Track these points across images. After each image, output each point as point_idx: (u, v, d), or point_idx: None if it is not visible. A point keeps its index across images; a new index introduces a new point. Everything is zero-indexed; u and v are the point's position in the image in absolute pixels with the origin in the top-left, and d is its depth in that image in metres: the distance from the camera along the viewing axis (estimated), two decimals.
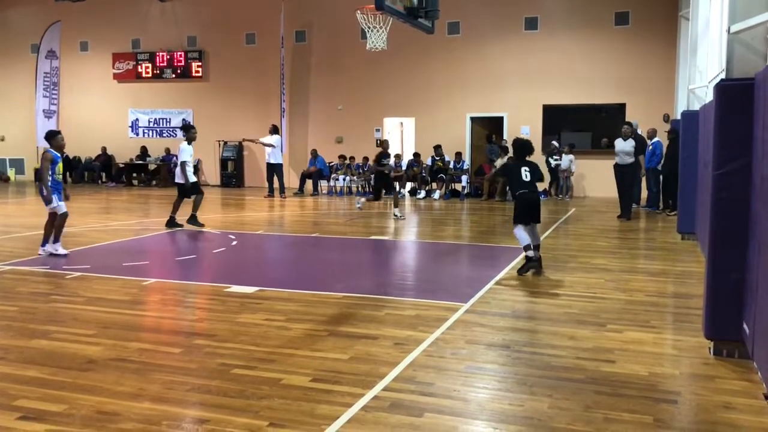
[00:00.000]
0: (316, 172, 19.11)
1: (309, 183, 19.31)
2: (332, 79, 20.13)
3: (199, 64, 21.31)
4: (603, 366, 4.50)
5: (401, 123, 20.69)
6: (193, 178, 11.42)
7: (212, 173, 21.58)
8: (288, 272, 8.38)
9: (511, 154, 16.92)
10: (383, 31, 11.16)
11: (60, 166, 8.75)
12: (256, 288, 6.75)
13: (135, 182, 21.92)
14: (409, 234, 11.66)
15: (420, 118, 19.38)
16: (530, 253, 7.56)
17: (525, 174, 7.75)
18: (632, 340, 5.09)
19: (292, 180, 19.67)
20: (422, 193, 17.92)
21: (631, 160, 12.82)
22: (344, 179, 18.91)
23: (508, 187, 12.15)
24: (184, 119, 21.60)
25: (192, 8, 21.40)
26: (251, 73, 20.86)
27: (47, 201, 8.54)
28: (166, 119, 22.02)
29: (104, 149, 22.23)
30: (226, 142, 20.99)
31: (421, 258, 9.52)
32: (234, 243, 9.86)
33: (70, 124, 22.41)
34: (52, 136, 8.84)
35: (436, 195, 17.71)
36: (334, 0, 19.46)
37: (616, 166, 12.97)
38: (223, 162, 21.07)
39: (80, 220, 12.38)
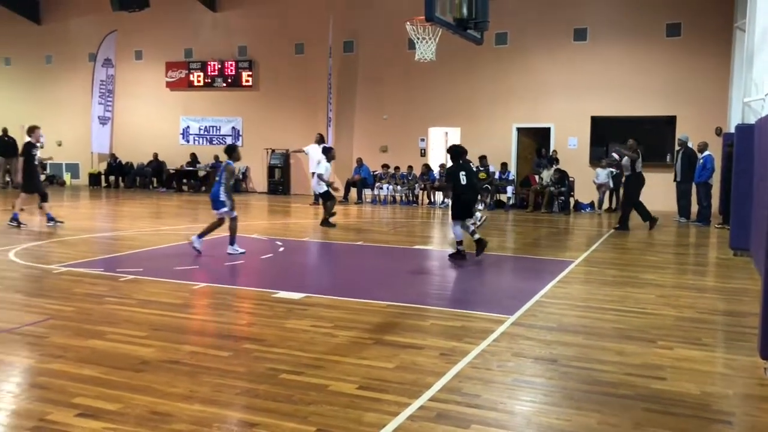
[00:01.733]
0: (361, 181, 19.24)
1: (353, 191, 19.45)
2: (378, 89, 20.28)
3: (249, 73, 21.70)
4: (653, 383, 4.42)
5: (446, 133, 20.69)
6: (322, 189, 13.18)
7: (260, 180, 21.92)
8: (333, 279, 8.46)
9: (557, 165, 16.93)
10: (432, 43, 11.21)
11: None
12: (303, 294, 6.84)
13: (185, 188, 22.40)
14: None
15: (466, 128, 19.35)
16: (462, 248, 8.92)
17: (462, 178, 9.05)
18: (683, 358, 5.00)
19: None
20: None
21: (627, 173, 13.40)
22: (388, 188, 18.99)
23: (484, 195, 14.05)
24: (233, 127, 22.03)
25: (243, 19, 21.83)
26: (299, 83, 21.16)
27: (226, 207, 9.26)
28: (216, 127, 22.46)
29: (156, 155, 22.78)
30: (273, 150, 21.30)
31: (466, 269, 9.48)
32: (281, 249, 9.99)
33: (124, 131, 23.08)
34: (233, 150, 9.47)
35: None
36: (382, 11, 19.62)
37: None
38: (271, 170, 21.38)
39: (132, 224, 12.72)
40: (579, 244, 11.39)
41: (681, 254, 10.82)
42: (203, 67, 22.24)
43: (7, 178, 22.32)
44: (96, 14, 23.05)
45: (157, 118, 23.04)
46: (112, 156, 23.40)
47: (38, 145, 12.90)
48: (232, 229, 9.42)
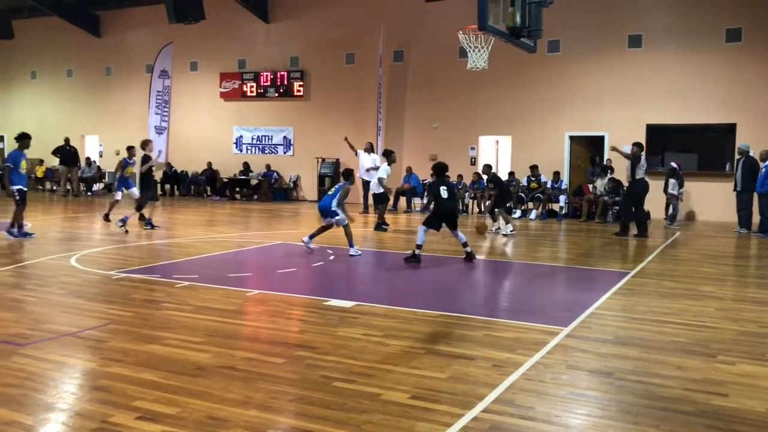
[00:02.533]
0: (411, 190, 19.25)
1: (402, 200, 19.48)
2: (428, 97, 20.29)
3: (301, 83, 21.99)
4: (714, 399, 4.29)
5: (497, 141, 20.56)
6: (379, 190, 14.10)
7: (310, 189, 22.15)
8: (384, 288, 8.48)
9: (612, 174, 16.60)
10: (485, 51, 11.17)
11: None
12: (354, 303, 6.87)
13: (237, 196, 22.81)
14: (504, 254, 11.54)
15: (517, 136, 19.19)
16: (418, 251, 9.64)
17: (443, 191, 9.83)
18: (746, 374, 4.83)
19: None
20: (518, 213, 17.69)
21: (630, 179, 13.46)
22: None
23: (493, 202, 13.92)
24: (285, 137, 22.36)
25: (295, 30, 22.15)
26: (349, 92, 21.34)
27: (339, 215, 10.20)
28: (268, 136, 22.82)
29: (210, 164, 23.27)
30: (324, 159, 21.51)
31: (518, 279, 9.39)
32: (331, 257, 10.07)
33: (179, 140, 23.64)
34: (350, 173, 10.86)
35: (533, 215, 17.44)
36: (433, 20, 19.65)
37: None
38: (321, 178, 21.59)
39: (187, 232, 13.01)
40: (634, 255, 11.15)
41: (741, 266, 10.48)
42: (256, 77, 22.64)
43: (68, 186, 23.13)
44: (153, 27, 23.72)
45: (211, 127, 23.55)
46: (168, 165, 23.99)
47: (151, 155, 13.96)
48: (349, 235, 10.30)
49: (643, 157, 13.29)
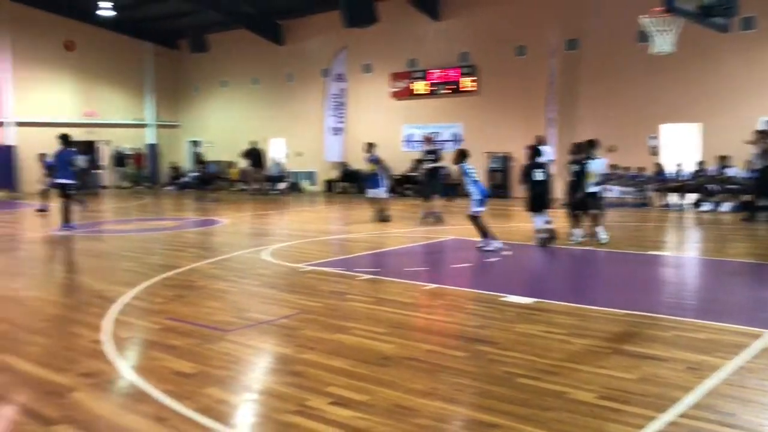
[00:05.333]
0: None
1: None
2: (603, 86, 19.39)
3: (471, 79, 21.97)
4: None
5: (683, 130, 19.16)
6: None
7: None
8: (564, 285, 8.27)
9: None
10: (671, 34, 10.48)
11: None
12: (533, 299, 6.78)
13: (408, 193, 23.30)
14: (691, 249, 10.78)
15: (706, 123, 17.77)
16: (543, 235, 10.21)
17: (535, 174, 10.34)
18: None
19: (558, 190, 19.30)
20: (707, 206, 16.40)
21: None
22: (616, 190, 18.05)
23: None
24: (454, 133, 22.48)
25: (465, 26, 22.18)
26: (519, 85, 20.97)
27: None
28: (437, 133, 23.04)
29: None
30: (493, 154, 21.34)
31: (708, 276, 8.73)
32: (506, 253, 9.99)
33: (353, 140, 24.59)
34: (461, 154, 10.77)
35: (724, 207, 16.09)
36: (608, 5, 18.75)
37: None
38: (491, 173, 21.45)
39: (364, 228, 13.52)
40: None
41: None
42: (426, 75, 22.97)
43: (256, 186, 24.99)
44: (329, 33, 24.87)
45: (382, 127, 24.24)
46: (344, 164, 25.07)
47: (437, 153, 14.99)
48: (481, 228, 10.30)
49: None
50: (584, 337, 5.44)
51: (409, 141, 23.75)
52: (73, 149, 13.85)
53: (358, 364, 4.85)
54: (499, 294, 7.06)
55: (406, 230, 13.04)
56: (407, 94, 23.51)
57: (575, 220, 10.92)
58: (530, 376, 4.50)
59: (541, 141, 17.62)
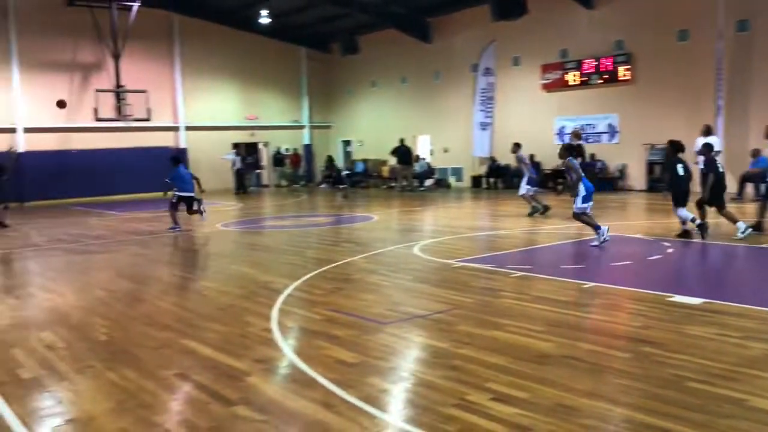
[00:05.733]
0: (759, 174, 17.01)
1: (749, 186, 17.31)
2: None
3: (627, 67, 20.92)
4: None
5: None
6: None
7: (637, 178, 21.01)
8: (738, 285, 7.68)
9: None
10: None
11: None
12: (702, 300, 6.36)
13: (559, 188, 22.63)
14: None
15: None
16: (688, 226, 10.31)
17: (680, 169, 10.33)
18: None
19: (730, 183, 17.89)
20: None
21: None
22: None
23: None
24: (609, 124, 21.56)
25: (620, 12, 21.14)
26: (681, 72, 19.65)
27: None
28: (591, 125, 22.21)
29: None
30: (653, 145, 20.20)
31: None
32: (669, 251, 9.43)
33: (501, 135, 24.31)
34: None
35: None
36: None
37: None
38: (650, 166, 20.32)
39: (515, 224, 13.34)
40: None
41: None
42: (578, 65, 22.18)
43: (404, 182, 25.41)
44: (477, 28, 24.73)
45: (532, 120, 23.73)
46: (492, 159, 24.84)
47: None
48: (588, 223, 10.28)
49: None
50: (763, 341, 5.03)
51: (561, 134, 23.05)
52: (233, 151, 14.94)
53: (516, 361, 4.81)
54: (664, 293, 6.69)
55: (558, 226, 12.70)
56: (559, 85, 22.82)
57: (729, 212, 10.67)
58: (703, 381, 4.24)
59: (710, 131, 16.47)
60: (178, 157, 15.37)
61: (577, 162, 10.38)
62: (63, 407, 4.33)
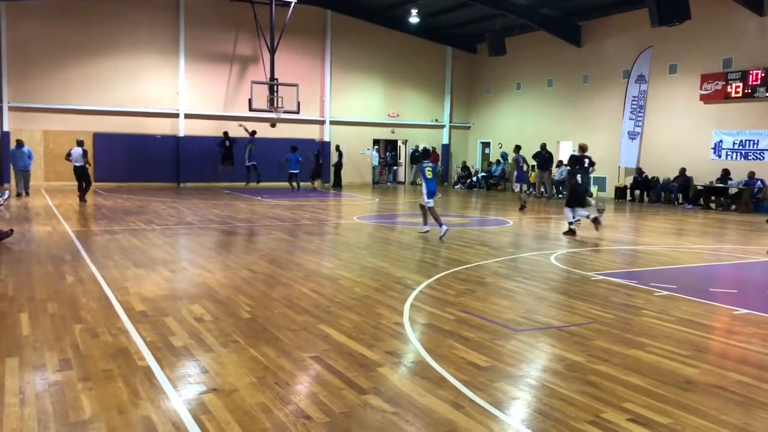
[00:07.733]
0: None
1: None
2: None
3: None
4: None
5: None
6: None
7: None
8: None
9: None
10: None
11: None
12: None
13: (712, 206, 21.17)
14: None
15: None
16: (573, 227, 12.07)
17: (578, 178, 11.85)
18: None
19: None
20: None
21: None
22: None
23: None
24: None
25: None
26: None
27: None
28: (754, 141, 20.55)
29: (683, 170, 22.14)
30: None
31: None
32: None
33: (652, 145, 23.12)
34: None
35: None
36: None
37: None
38: None
39: (659, 240, 12.65)
40: None
41: None
42: (744, 76, 20.58)
43: (542, 189, 24.81)
44: (632, 32, 23.65)
45: (686, 132, 22.35)
46: (639, 170, 23.67)
47: None
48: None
49: None
50: None
51: (718, 148, 21.52)
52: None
53: (657, 384, 4.57)
54: None
55: (706, 247, 11.89)
56: (720, 96, 21.31)
57: None
58: None
59: None
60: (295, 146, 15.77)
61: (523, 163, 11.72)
62: (208, 377, 4.62)
